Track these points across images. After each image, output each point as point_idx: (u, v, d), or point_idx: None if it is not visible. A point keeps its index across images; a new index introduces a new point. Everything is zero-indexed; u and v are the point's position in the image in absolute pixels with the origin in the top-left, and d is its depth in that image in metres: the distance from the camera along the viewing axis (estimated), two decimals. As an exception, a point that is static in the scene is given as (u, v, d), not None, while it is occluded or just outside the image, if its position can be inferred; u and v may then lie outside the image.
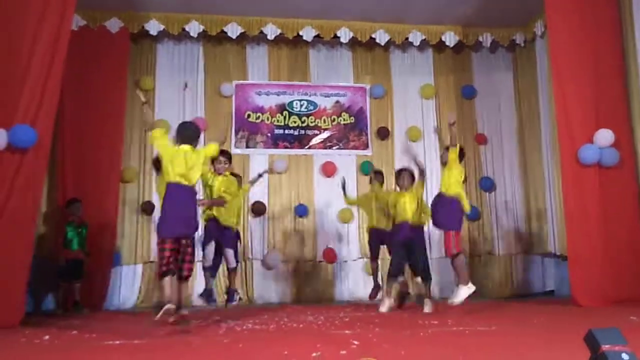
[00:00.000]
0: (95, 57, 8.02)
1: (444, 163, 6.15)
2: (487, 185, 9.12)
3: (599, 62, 6.73)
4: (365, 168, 8.97)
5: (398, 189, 6.55)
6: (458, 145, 5.95)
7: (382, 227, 6.91)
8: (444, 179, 5.99)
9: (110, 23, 8.08)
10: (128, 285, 8.14)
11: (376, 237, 7.12)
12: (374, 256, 7.28)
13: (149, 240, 8.27)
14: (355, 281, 8.74)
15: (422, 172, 6.32)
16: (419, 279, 6.50)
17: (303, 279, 8.62)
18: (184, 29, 8.31)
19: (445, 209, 5.84)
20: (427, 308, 6.04)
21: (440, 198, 5.98)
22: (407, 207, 6.20)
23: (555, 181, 7.96)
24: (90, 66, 7.96)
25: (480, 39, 9.00)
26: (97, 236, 7.59)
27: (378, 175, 7.46)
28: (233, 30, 8.39)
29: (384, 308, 6.16)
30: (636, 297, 6.27)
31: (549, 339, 3.81)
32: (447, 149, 6.07)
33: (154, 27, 8.19)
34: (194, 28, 8.27)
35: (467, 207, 5.94)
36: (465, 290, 5.57)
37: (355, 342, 3.63)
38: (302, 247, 8.70)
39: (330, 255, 8.65)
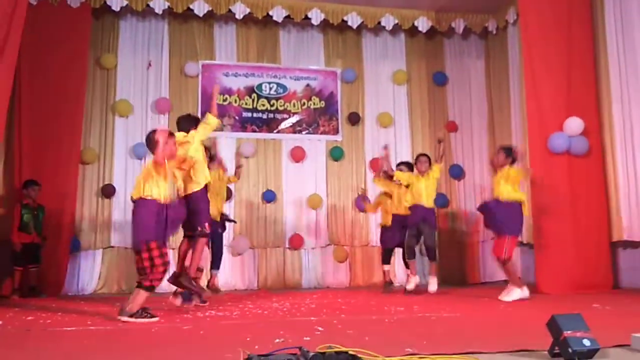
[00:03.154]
0: (54, 33, 7.66)
1: (494, 167, 5.92)
2: (456, 172, 9.10)
3: (570, 51, 6.74)
4: (335, 153, 8.85)
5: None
6: (511, 155, 5.73)
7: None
8: (499, 186, 5.72)
9: (70, -3, 7.74)
10: (87, 270, 7.88)
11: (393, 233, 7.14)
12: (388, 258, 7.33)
13: (109, 225, 8.01)
14: (323, 268, 8.64)
15: (441, 156, 6.74)
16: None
17: (270, 266, 8.48)
18: (148, 5, 7.96)
19: (504, 215, 5.63)
20: (432, 287, 6.45)
21: (497, 202, 5.73)
22: (422, 191, 6.53)
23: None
24: (49, 43, 7.60)
25: (453, 25, 8.93)
26: (55, 220, 7.32)
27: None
28: (200, 7, 8.10)
29: (411, 286, 6.54)
30: (601, 284, 6.34)
31: (513, 325, 3.78)
32: (508, 154, 5.77)
33: (116, 2, 7.82)
34: (159, 4, 7.94)
35: (526, 212, 5.77)
36: (519, 293, 5.46)
37: (320, 329, 3.54)
38: (269, 233, 8.55)
39: (298, 242, 8.52)
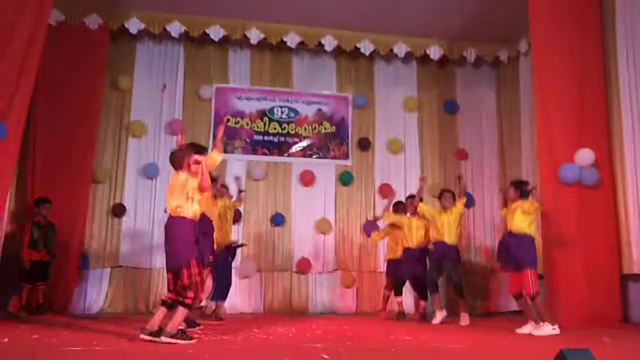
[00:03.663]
0: (72, 53, 7.82)
1: (507, 200, 5.95)
2: (468, 201, 9.02)
3: (582, 83, 6.75)
4: (345, 178, 8.87)
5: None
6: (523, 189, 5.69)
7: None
8: (514, 219, 5.66)
9: (89, 19, 7.92)
10: (95, 289, 7.89)
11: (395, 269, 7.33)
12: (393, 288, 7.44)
13: (118, 244, 8.05)
14: (330, 293, 8.60)
15: (463, 192, 6.87)
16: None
17: (276, 290, 8.44)
18: (165, 29, 8.15)
19: (519, 248, 5.56)
20: (463, 322, 6.40)
21: (509, 235, 5.68)
22: (444, 227, 6.60)
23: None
24: (67, 63, 7.76)
25: (465, 54, 9.01)
26: (64, 238, 7.36)
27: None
28: (215, 32, 8.25)
29: (436, 320, 6.55)
30: (611, 317, 6.25)
31: (522, 358, 3.72)
32: (518, 188, 5.73)
33: (134, 25, 8.03)
34: (176, 28, 8.12)
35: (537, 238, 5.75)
36: (550, 330, 5.36)
37: (325, 356, 3.50)
38: (277, 257, 8.53)
39: (305, 266, 8.49)
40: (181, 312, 4.31)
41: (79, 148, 7.69)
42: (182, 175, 4.47)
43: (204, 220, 5.07)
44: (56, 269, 7.22)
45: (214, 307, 6.73)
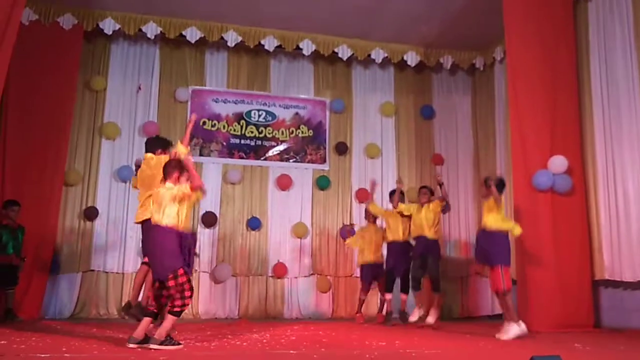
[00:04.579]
0: (45, 54, 7.69)
1: (483, 197, 5.97)
2: (445, 206, 9.10)
3: (555, 90, 6.85)
4: (322, 183, 8.86)
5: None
6: (493, 186, 5.66)
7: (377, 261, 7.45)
8: (484, 214, 5.78)
9: (63, 19, 7.79)
10: (66, 294, 7.74)
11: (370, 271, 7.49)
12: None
13: (89, 248, 7.91)
14: (306, 298, 8.56)
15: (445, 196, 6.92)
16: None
17: (252, 294, 8.38)
18: (140, 30, 8.06)
19: (490, 244, 5.62)
20: (430, 319, 6.50)
21: (483, 232, 5.74)
22: (423, 221, 6.73)
23: (508, 205, 8.01)
24: (39, 63, 7.62)
25: (441, 60, 9.10)
26: (35, 241, 7.21)
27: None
28: (192, 34, 8.19)
29: (414, 318, 6.67)
30: (582, 323, 6.33)
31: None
32: (486, 185, 5.76)
33: (109, 25, 7.92)
34: (152, 29, 8.03)
35: (516, 230, 5.73)
36: (517, 330, 5.37)
37: (299, 364, 3.47)
38: (252, 261, 8.48)
39: (281, 271, 8.45)
40: (170, 320, 4.31)
41: (51, 150, 7.56)
42: (169, 185, 4.52)
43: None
44: (26, 273, 7.06)
45: None
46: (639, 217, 6.15)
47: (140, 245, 5.93)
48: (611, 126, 6.62)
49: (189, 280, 4.40)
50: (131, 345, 4.19)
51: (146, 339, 4.24)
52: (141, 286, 5.28)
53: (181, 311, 4.37)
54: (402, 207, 7.09)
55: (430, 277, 6.79)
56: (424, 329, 6.40)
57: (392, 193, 7.41)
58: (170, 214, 4.40)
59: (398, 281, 7.29)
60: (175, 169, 4.57)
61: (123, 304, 7.75)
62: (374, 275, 7.52)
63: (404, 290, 7.19)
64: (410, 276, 6.94)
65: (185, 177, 4.55)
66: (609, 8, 6.76)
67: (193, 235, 5.07)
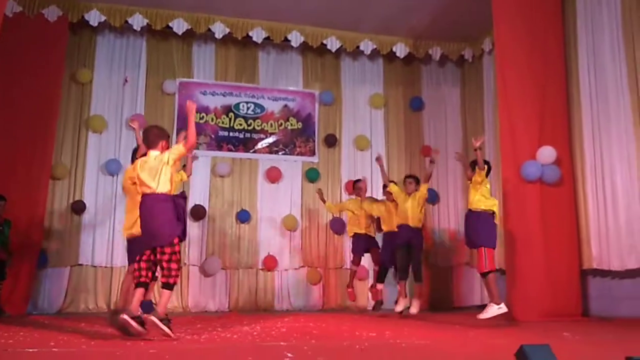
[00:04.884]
0: (30, 46, 7.59)
1: (469, 179, 5.97)
2: (431, 197, 9.13)
3: (544, 81, 6.88)
4: (311, 175, 8.84)
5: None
6: (485, 167, 5.75)
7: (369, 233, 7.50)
8: (470, 196, 5.84)
9: (48, 11, 7.69)
10: (54, 288, 7.68)
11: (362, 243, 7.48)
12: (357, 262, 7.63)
13: (77, 242, 7.85)
14: (296, 290, 8.56)
15: (428, 176, 6.91)
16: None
17: (242, 287, 8.37)
18: (126, 22, 7.97)
19: (474, 225, 5.67)
20: (414, 309, 6.50)
21: (469, 213, 5.80)
22: (408, 211, 6.65)
23: (497, 195, 8.04)
24: (24, 56, 7.52)
25: (430, 52, 9.09)
26: (22, 235, 7.14)
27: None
28: (179, 26, 8.11)
29: (399, 307, 6.61)
30: (571, 312, 6.39)
31: (482, 354, 3.76)
32: (472, 167, 5.87)
33: (94, 17, 7.83)
34: (138, 21, 7.95)
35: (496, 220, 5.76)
36: (496, 310, 5.42)
37: (289, 355, 3.46)
38: (242, 254, 8.45)
39: (271, 263, 8.43)
40: (167, 295, 4.27)
41: (37, 143, 7.47)
42: (155, 152, 4.43)
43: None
44: (13, 268, 7.00)
45: None
46: (626, 207, 6.19)
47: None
48: (599, 117, 6.65)
49: (180, 252, 4.38)
50: (125, 319, 4.12)
51: (139, 317, 4.19)
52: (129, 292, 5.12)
53: (175, 284, 4.32)
54: (393, 188, 6.94)
55: (412, 267, 6.73)
56: (409, 319, 6.41)
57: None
58: (165, 182, 4.34)
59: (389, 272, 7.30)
60: (159, 137, 4.47)
61: (112, 297, 7.73)
62: (366, 247, 7.52)
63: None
64: (398, 266, 6.89)
65: (182, 136, 4.49)
66: (597, 0, 6.78)
67: (183, 196, 4.98)
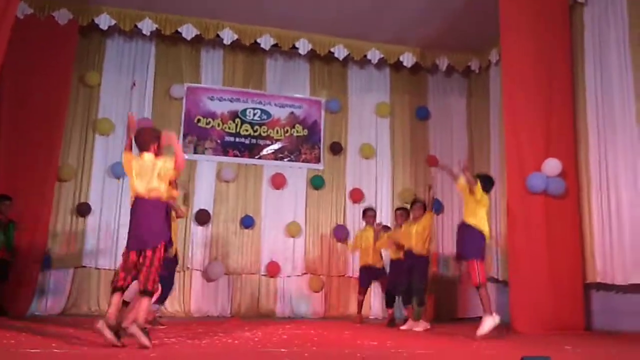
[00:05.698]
0: (40, 48, 7.64)
1: (470, 193, 5.81)
2: (436, 207, 9.12)
3: (551, 93, 6.87)
4: (316, 182, 8.86)
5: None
6: (479, 182, 5.64)
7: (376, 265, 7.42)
8: (464, 209, 5.82)
9: (58, 14, 7.76)
10: (57, 290, 7.70)
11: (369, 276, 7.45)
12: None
13: (81, 244, 7.88)
14: (298, 297, 8.56)
15: (431, 203, 6.90)
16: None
17: (244, 293, 8.36)
18: (136, 26, 8.04)
19: (464, 239, 5.67)
20: (418, 328, 6.39)
21: (462, 225, 5.79)
22: (412, 237, 6.66)
23: (501, 207, 8.04)
24: (33, 58, 7.57)
25: (437, 62, 9.12)
26: (27, 236, 7.16)
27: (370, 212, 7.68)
28: (188, 31, 8.17)
29: (419, 328, 6.44)
30: (573, 325, 6.35)
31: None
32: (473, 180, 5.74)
33: (104, 21, 7.90)
34: (147, 26, 8.01)
35: (487, 235, 5.70)
36: (490, 321, 5.41)
37: (290, 362, 3.46)
38: (245, 260, 8.46)
39: (274, 269, 8.43)
40: (146, 302, 4.12)
41: (44, 145, 7.50)
42: (149, 156, 4.35)
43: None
44: (17, 269, 7.01)
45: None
46: (631, 221, 6.16)
47: None
48: (605, 130, 6.64)
49: (162, 261, 4.23)
50: (99, 327, 3.95)
51: (118, 330, 4.04)
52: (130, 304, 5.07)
53: (153, 291, 4.17)
54: (394, 236, 7.09)
55: (413, 291, 6.68)
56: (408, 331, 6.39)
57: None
58: (158, 187, 4.27)
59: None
60: (150, 141, 4.37)
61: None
62: (371, 278, 7.50)
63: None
64: (402, 291, 6.82)
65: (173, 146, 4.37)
66: (604, 13, 6.78)
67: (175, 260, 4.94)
